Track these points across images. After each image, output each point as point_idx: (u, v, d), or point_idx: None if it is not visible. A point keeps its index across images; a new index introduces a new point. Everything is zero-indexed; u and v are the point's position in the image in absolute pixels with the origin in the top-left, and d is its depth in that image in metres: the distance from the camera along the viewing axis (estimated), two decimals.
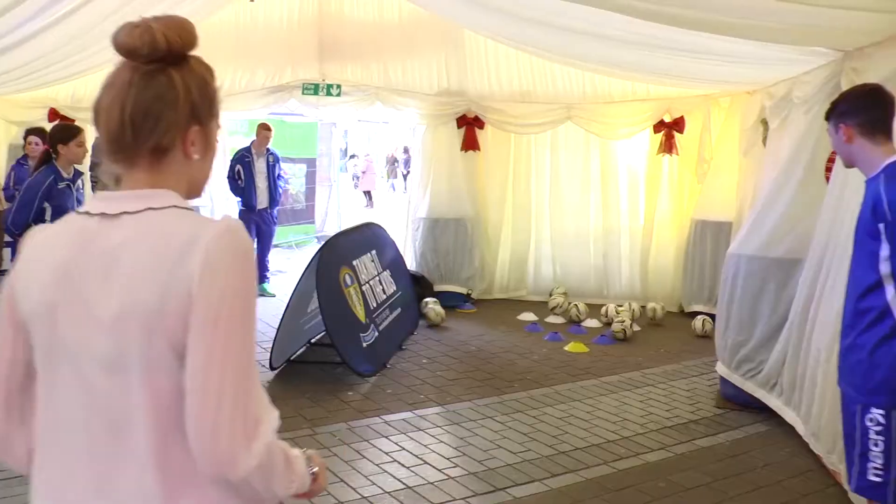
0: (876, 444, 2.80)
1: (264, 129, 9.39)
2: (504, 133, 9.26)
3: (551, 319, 8.30)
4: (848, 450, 2.99)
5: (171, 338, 1.26)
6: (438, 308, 8.06)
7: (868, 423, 2.82)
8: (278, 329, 6.30)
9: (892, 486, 2.81)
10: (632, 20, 4.98)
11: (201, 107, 1.43)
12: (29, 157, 8.38)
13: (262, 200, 9.20)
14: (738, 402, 5.60)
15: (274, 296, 9.11)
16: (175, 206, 1.35)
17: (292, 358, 6.54)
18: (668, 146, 8.68)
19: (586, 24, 5.72)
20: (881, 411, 2.79)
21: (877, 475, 2.82)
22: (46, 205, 5.19)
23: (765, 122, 6.89)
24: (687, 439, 5.10)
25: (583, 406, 5.71)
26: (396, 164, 28.81)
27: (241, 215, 9.30)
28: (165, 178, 1.39)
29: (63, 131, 5.42)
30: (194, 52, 1.43)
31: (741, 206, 7.50)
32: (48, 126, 9.18)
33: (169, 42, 1.35)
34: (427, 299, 8.23)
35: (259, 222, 9.24)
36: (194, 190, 1.46)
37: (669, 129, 8.65)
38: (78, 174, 5.51)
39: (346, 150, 25.05)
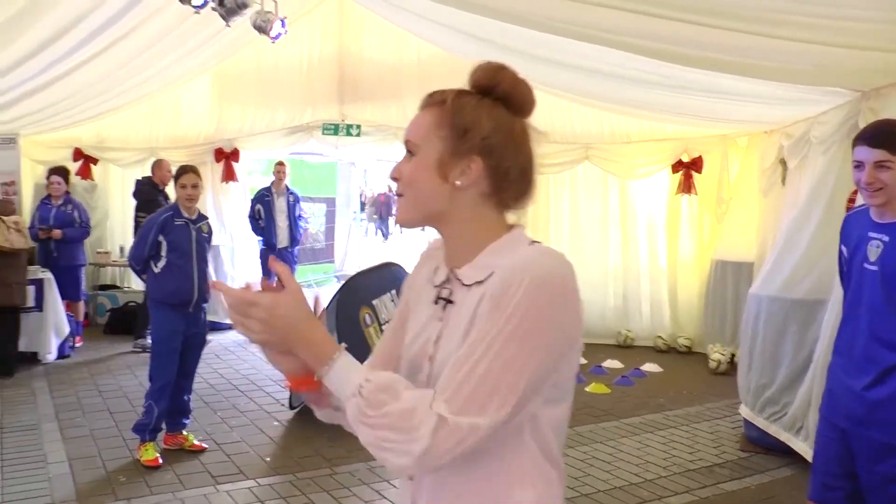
0: None
1: (277, 164, 9.50)
2: None
3: None
4: None
5: None
6: None
7: None
8: None
9: None
10: (649, 60, 5.02)
11: None
12: (52, 197, 8.51)
13: (282, 239, 9.26)
14: (763, 445, 5.52)
15: None
16: None
17: None
18: (687, 186, 8.67)
19: (603, 63, 5.77)
20: None
21: None
22: (162, 239, 5.23)
23: (783, 162, 6.88)
24: (711, 483, 5.02)
25: (604, 448, 5.64)
26: (383, 205, 26.45)
27: (262, 254, 9.37)
28: None
29: (176, 173, 5.44)
30: None
31: (762, 246, 7.47)
32: (72, 166, 9.37)
33: None
34: None
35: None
36: None
37: (688, 169, 8.64)
38: (202, 217, 5.48)
39: (364, 189, 25.07)
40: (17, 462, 5.18)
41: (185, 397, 5.50)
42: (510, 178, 1.45)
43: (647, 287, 9.15)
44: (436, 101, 1.48)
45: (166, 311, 5.29)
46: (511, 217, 1.50)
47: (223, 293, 1.39)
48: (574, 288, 1.37)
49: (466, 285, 1.45)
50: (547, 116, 8.98)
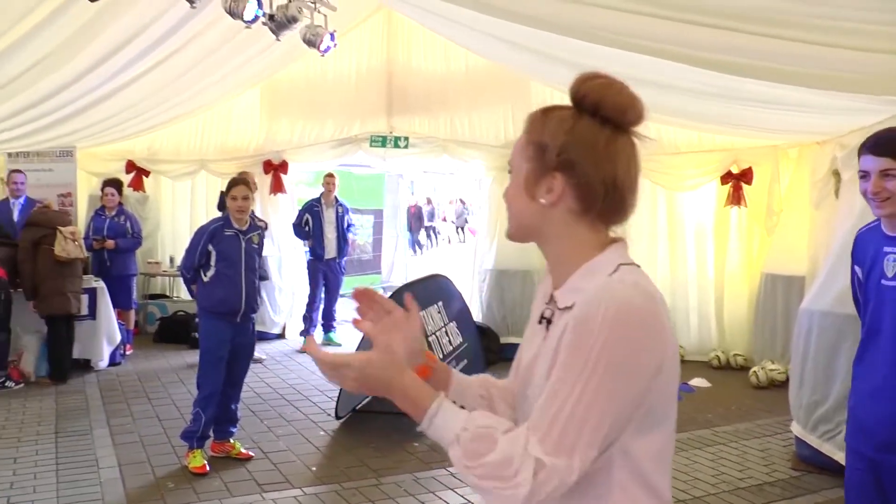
0: None
1: (327, 176, 9.57)
2: None
3: None
4: None
5: None
6: None
7: None
8: None
9: None
10: (697, 69, 4.96)
11: None
12: (106, 208, 8.70)
13: (330, 250, 9.33)
14: (816, 464, 5.38)
15: (340, 345, 9.17)
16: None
17: (357, 408, 6.56)
18: (736, 198, 8.52)
19: (651, 73, 5.72)
20: None
21: None
22: (211, 248, 5.33)
23: (836, 174, 6.74)
24: (762, 502, 4.92)
25: None
26: (414, 216, 24.73)
27: (310, 265, 9.45)
28: None
29: (227, 183, 5.53)
30: None
31: (814, 259, 7.31)
32: (125, 178, 9.58)
33: None
34: None
35: (327, 272, 9.36)
36: None
37: (737, 181, 8.50)
38: (254, 228, 5.52)
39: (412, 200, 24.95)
40: (70, 466, 5.30)
41: (233, 406, 5.56)
42: (595, 193, 1.42)
43: (695, 300, 9.02)
44: (528, 120, 1.50)
45: (214, 320, 5.36)
46: (614, 232, 1.49)
47: (314, 356, 1.44)
48: (655, 314, 1.35)
49: (560, 309, 1.46)
50: None
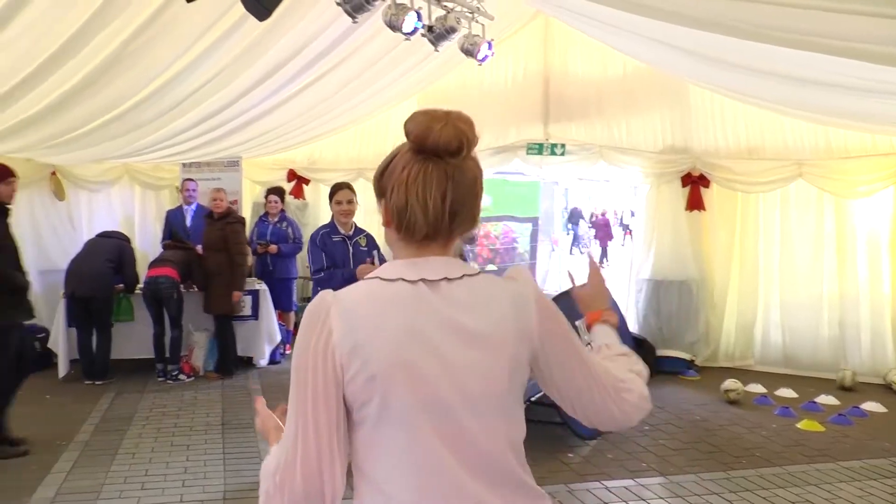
0: None
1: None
2: (730, 191, 8.85)
3: (781, 393, 7.70)
4: None
5: (523, 376, 1.56)
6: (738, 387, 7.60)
7: None
8: None
9: None
10: (870, 65, 4.60)
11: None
12: (269, 214, 9.11)
13: None
14: None
15: None
16: (469, 273, 1.55)
17: None
18: None
19: (819, 72, 5.38)
20: None
21: None
22: (323, 253, 5.60)
23: None
24: None
25: (819, 492, 5.20)
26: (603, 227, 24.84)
27: None
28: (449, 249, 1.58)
29: (331, 191, 5.79)
30: None
31: None
32: (287, 186, 10.00)
33: (473, 140, 1.52)
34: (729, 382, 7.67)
35: None
36: None
37: None
38: (359, 231, 5.81)
39: (567, 208, 24.74)
40: (237, 457, 5.60)
41: None
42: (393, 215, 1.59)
43: (867, 316, 8.36)
44: None
45: None
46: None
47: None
48: (317, 316, 1.45)
49: None
50: (757, 132, 8.55)
